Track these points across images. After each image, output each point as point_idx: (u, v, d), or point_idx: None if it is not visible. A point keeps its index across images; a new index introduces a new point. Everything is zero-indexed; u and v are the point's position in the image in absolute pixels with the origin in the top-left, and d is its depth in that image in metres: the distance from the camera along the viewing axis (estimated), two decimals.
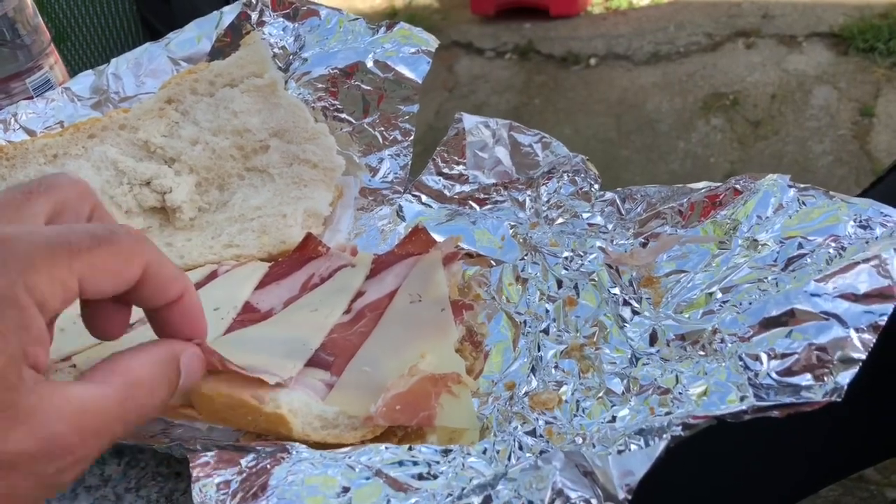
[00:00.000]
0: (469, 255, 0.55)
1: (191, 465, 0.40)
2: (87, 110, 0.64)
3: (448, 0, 3.47)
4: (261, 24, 0.66)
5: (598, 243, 0.53)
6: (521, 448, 0.42)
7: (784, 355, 0.40)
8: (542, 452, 0.41)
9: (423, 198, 0.60)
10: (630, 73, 2.80)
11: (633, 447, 0.38)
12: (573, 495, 0.35)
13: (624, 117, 2.58)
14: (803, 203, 0.48)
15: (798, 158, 2.35)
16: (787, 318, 0.41)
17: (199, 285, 0.54)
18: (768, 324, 0.42)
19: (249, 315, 0.52)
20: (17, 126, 0.63)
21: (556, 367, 0.46)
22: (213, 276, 0.55)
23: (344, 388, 0.46)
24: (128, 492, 0.47)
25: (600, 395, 0.44)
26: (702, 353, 0.43)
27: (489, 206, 0.59)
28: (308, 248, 0.57)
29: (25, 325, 0.30)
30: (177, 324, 0.38)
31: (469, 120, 0.59)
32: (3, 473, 0.29)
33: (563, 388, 0.45)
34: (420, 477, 0.38)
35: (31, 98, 0.66)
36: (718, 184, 0.52)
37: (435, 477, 0.38)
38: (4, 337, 0.30)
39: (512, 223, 0.56)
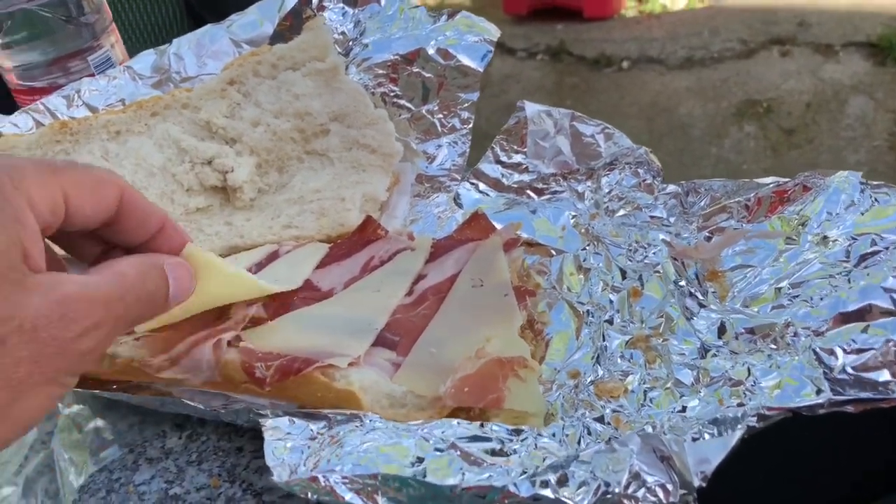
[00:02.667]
0: (528, 243, 0.55)
1: (263, 429, 0.40)
2: (148, 89, 0.65)
3: (481, 1, 3.47)
4: (321, 8, 0.67)
5: (662, 236, 0.52)
6: (589, 433, 0.42)
7: (860, 350, 0.39)
8: (609, 439, 0.41)
9: (481, 186, 0.60)
10: (663, 77, 2.79)
11: (706, 436, 0.38)
12: (650, 479, 0.35)
13: (656, 121, 2.56)
14: (876, 200, 0.47)
15: (832, 167, 2.33)
16: (864, 314, 0.41)
17: (260, 265, 0.54)
18: (844, 319, 0.41)
19: (311, 293, 0.52)
20: (80, 102, 0.63)
21: (621, 356, 0.46)
22: (274, 255, 0.55)
23: (411, 368, 0.46)
24: (189, 465, 0.48)
25: (668, 385, 0.44)
26: (773, 346, 0.43)
27: (547, 196, 0.59)
28: (367, 231, 0.57)
29: (20, 219, 0.32)
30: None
31: (531, 108, 0.59)
32: (27, 338, 0.31)
33: (630, 378, 0.45)
34: (493, 453, 0.37)
35: (92, 75, 0.66)
36: (786, 179, 0.51)
37: (507, 454, 0.38)
38: (3, 225, 0.31)
39: (572, 213, 0.56)
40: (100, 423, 0.51)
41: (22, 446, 0.51)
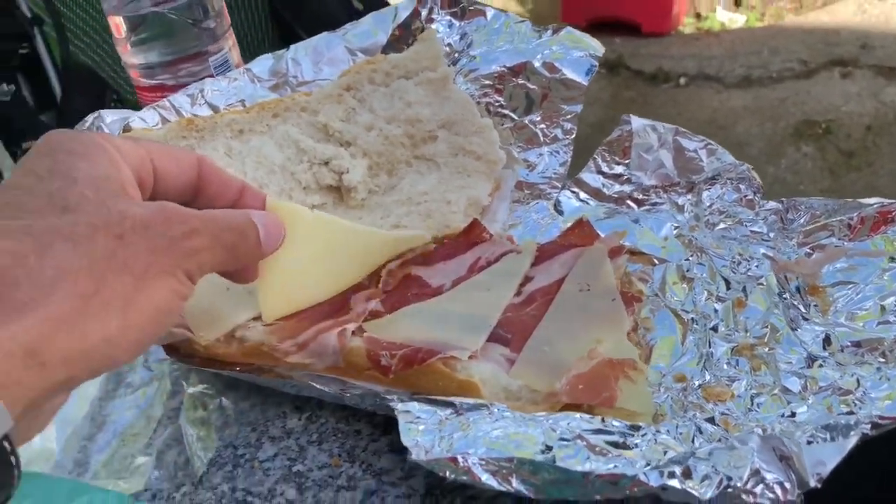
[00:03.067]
0: (631, 251, 0.57)
1: (396, 412, 0.43)
2: (266, 91, 0.68)
3: (539, 11, 3.50)
4: (429, 20, 0.70)
5: (762, 250, 0.54)
6: (700, 432, 0.44)
7: None
8: (720, 438, 0.43)
9: (581, 194, 0.63)
10: (720, 94, 2.79)
11: (819, 441, 0.40)
12: (769, 477, 0.37)
13: (713, 139, 2.54)
14: None
15: (892, 192, 2.30)
16: None
17: None
18: None
19: (422, 290, 0.55)
20: (202, 101, 0.67)
21: (727, 363, 0.48)
22: None
23: (525, 364, 0.48)
24: (310, 444, 0.51)
25: (775, 392, 0.46)
26: (882, 360, 0.45)
27: (647, 207, 0.61)
28: (473, 233, 0.60)
29: (116, 163, 0.36)
30: None
31: (637, 122, 0.61)
32: (140, 234, 0.34)
33: (736, 384, 0.47)
34: (616, 445, 0.40)
35: (211, 76, 0.70)
36: (892, 200, 0.53)
37: (629, 447, 0.40)
38: (104, 162, 0.35)
39: (674, 224, 0.58)
40: (224, 401, 0.55)
41: (150, 421, 0.54)
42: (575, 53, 0.64)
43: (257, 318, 0.54)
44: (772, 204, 0.57)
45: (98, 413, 0.56)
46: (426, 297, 0.54)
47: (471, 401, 0.44)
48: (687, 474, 0.37)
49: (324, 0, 1.31)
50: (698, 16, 3.26)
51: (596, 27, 3.14)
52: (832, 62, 2.84)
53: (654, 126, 0.61)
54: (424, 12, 0.70)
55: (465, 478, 0.39)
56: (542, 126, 0.65)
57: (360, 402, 0.49)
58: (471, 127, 0.63)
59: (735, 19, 3.22)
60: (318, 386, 0.50)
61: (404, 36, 0.70)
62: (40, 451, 0.53)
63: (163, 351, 0.56)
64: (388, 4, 1.45)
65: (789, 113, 2.66)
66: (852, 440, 0.38)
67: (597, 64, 0.64)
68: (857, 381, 0.44)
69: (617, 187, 0.62)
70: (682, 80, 2.88)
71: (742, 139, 2.58)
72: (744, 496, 0.37)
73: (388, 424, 0.51)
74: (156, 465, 0.51)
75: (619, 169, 0.62)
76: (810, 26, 3.08)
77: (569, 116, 0.65)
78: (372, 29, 0.69)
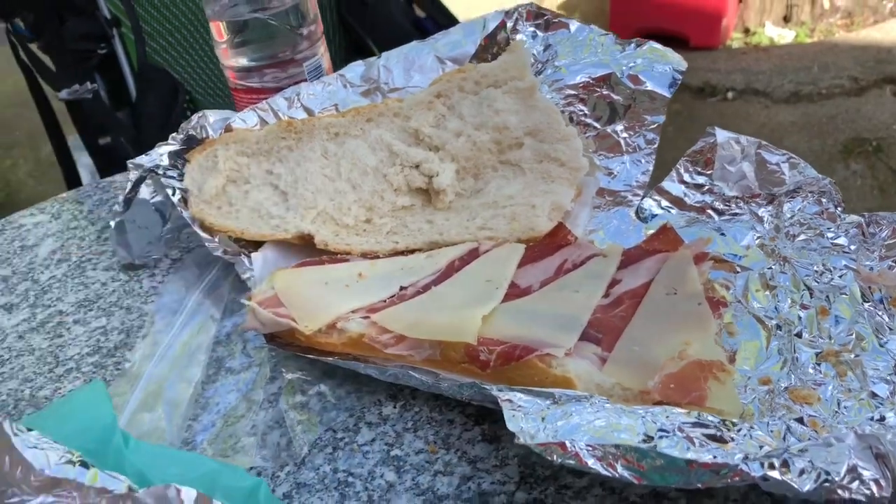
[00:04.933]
0: (714, 258, 0.59)
1: (500, 399, 0.46)
2: (358, 96, 0.72)
3: (586, 23, 3.52)
4: (514, 31, 0.73)
5: (844, 262, 0.56)
6: (790, 432, 0.46)
7: None
8: (809, 438, 0.45)
9: (663, 202, 0.65)
10: (768, 109, 2.78)
11: None
12: (866, 474, 0.39)
13: None
14: None
15: None
16: None
17: (464, 260, 0.60)
18: None
19: (512, 290, 0.58)
20: (299, 104, 0.71)
21: (812, 368, 0.50)
22: (475, 252, 0.61)
23: (617, 363, 0.51)
24: (406, 431, 0.53)
25: (862, 397, 0.47)
26: None
27: (727, 217, 0.63)
28: (559, 236, 0.63)
29: None
30: None
31: (721, 135, 0.63)
32: None
33: (822, 388, 0.49)
34: (712, 438, 0.42)
35: (305, 81, 0.74)
36: None
37: (725, 441, 0.42)
38: None
39: (757, 234, 0.60)
40: (322, 388, 0.58)
41: (252, 404, 0.58)
42: (658, 67, 0.67)
43: (357, 311, 0.57)
44: (853, 217, 0.59)
45: (201, 395, 0.59)
46: (515, 297, 0.57)
47: (570, 392, 0.47)
48: (785, 466, 0.39)
49: (388, 8, 1.35)
50: (747, 31, 3.26)
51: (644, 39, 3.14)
52: (883, 80, 2.82)
53: (737, 139, 0.63)
54: (510, 24, 0.73)
55: (572, 462, 0.41)
56: (625, 136, 0.68)
57: (458, 392, 0.52)
58: (556, 135, 0.66)
59: (784, 35, 3.21)
60: (416, 375, 0.53)
61: (490, 46, 0.73)
62: (152, 429, 0.56)
63: (262, 338, 0.60)
64: (447, 11, 1.49)
65: (838, 130, 2.65)
66: None
67: (680, 78, 0.66)
68: None
69: (699, 197, 0.64)
70: (730, 95, 2.88)
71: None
72: (840, 491, 0.39)
73: (479, 415, 0.53)
74: (260, 445, 0.54)
75: (701, 179, 0.64)
76: (861, 43, 3.05)
77: (652, 127, 0.67)
78: (461, 39, 0.72)
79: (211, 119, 0.69)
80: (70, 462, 0.43)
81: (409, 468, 0.51)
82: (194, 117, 0.69)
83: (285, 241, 0.65)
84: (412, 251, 0.64)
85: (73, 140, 1.54)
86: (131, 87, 1.36)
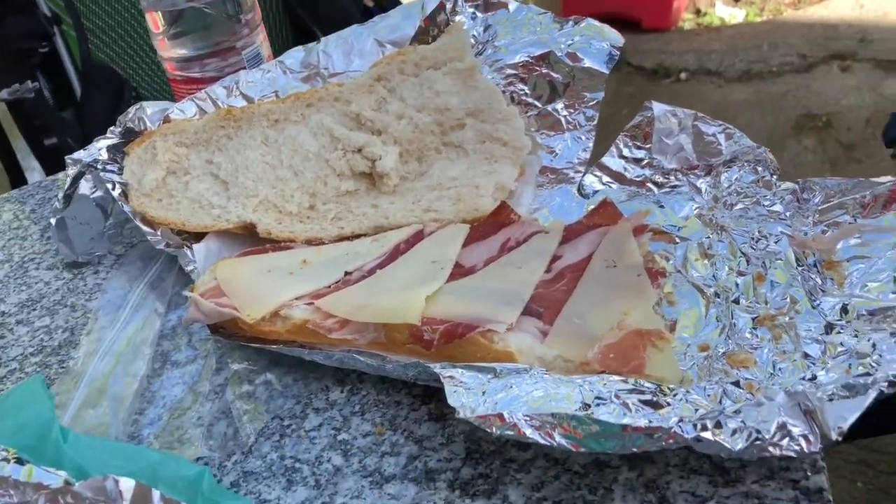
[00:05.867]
0: (654, 230, 0.60)
1: (442, 377, 0.46)
2: (298, 82, 0.71)
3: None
4: (454, 13, 0.73)
5: (780, 228, 0.57)
6: (726, 395, 0.46)
7: None
8: (745, 400, 0.46)
9: (604, 178, 0.65)
10: (721, 89, 2.81)
11: (839, 398, 0.42)
12: (795, 430, 0.40)
13: None
14: None
15: None
16: None
17: (409, 242, 0.60)
18: None
19: (457, 269, 0.58)
20: (238, 92, 0.70)
21: (749, 333, 0.51)
22: (420, 235, 0.61)
23: (558, 336, 0.51)
24: (353, 415, 0.53)
25: (796, 358, 0.48)
26: (895, 325, 0.47)
27: (667, 190, 0.64)
28: (502, 215, 0.63)
29: None
30: None
31: (658, 108, 0.64)
32: None
33: (758, 352, 0.50)
34: (648, 403, 0.43)
35: (244, 69, 0.73)
36: None
37: (661, 406, 0.43)
38: None
39: (695, 205, 0.61)
40: (268, 376, 0.57)
41: (198, 396, 0.57)
42: (596, 44, 0.67)
43: (301, 298, 0.57)
44: (788, 184, 0.60)
45: (147, 389, 0.58)
46: (460, 276, 0.57)
47: (510, 365, 0.47)
48: (717, 427, 0.40)
49: None
50: (698, 11, 3.29)
51: None
52: (831, 56, 2.87)
53: (674, 112, 0.64)
54: (449, 5, 0.73)
55: (511, 433, 0.41)
56: (566, 113, 0.68)
57: (403, 372, 0.52)
58: (497, 115, 0.66)
59: (734, 14, 3.25)
60: (361, 358, 0.53)
61: (430, 28, 0.72)
62: (97, 424, 0.55)
63: (207, 330, 0.59)
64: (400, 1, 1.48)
65: (790, 107, 2.69)
66: (870, 396, 0.41)
67: (618, 53, 0.67)
68: (874, 345, 0.46)
69: (638, 171, 0.65)
70: (683, 75, 2.91)
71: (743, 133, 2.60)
72: (771, 448, 0.40)
73: (426, 395, 0.54)
74: (206, 436, 0.54)
75: (640, 153, 0.65)
76: (809, 21, 3.10)
77: (591, 104, 0.67)
78: (400, 22, 0.72)
79: (149, 111, 0.68)
80: (5, 460, 0.42)
81: (356, 451, 0.51)
82: (132, 109, 0.68)
83: (228, 232, 0.65)
84: (357, 236, 0.64)
85: (20, 143, 1.51)
86: (75, 85, 1.34)
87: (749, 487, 0.44)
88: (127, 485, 0.40)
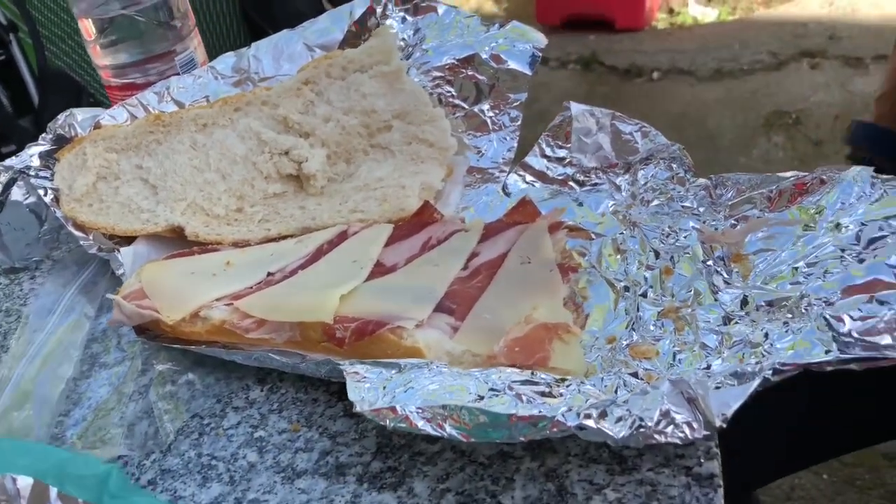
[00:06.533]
0: (571, 227, 0.61)
1: (345, 372, 0.47)
2: (230, 87, 0.72)
3: (514, 10, 3.54)
4: (384, 17, 0.74)
5: (692, 223, 0.59)
6: (625, 385, 0.48)
7: (866, 318, 0.45)
8: (641, 390, 0.47)
9: (528, 177, 0.67)
10: (693, 88, 2.84)
11: (727, 387, 0.44)
12: (678, 417, 0.41)
13: (685, 131, 2.61)
14: (885, 192, 0.53)
15: None
16: (870, 287, 0.47)
17: (332, 243, 0.61)
18: (852, 291, 0.47)
19: (378, 268, 0.59)
20: (169, 98, 0.71)
21: (654, 325, 0.52)
22: (343, 235, 0.62)
23: (468, 331, 0.52)
24: (271, 413, 0.54)
25: (695, 348, 0.50)
26: (789, 315, 0.49)
27: (588, 188, 0.65)
28: (425, 215, 0.64)
29: None
30: None
31: (576, 108, 0.65)
32: None
33: (661, 343, 0.51)
34: (542, 394, 0.44)
35: (177, 74, 0.74)
36: (805, 173, 0.57)
37: (555, 396, 0.44)
38: None
39: (611, 202, 0.62)
40: (191, 376, 0.58)
41: (122, 397, 0.58)
42: (519, 45, 0.69)
43: (221, 299, 0.58)
44: (701, 181, 0.61)
45: (73, 391, 0.59)
46: (381, 275, 0.58)
47: (415, 361, 0.48)
48: (602, 416, 0.41)
49: (294, 3, 1.35)
50: (671, 11, 3.32)
51: (571, 24, 3.18)
52: (801, 54, 2.90)
53: (591, 111, 0.65)
54: (379, 9, 0.74)
55: (403, 425, 0.42)
56: (491, 114, 0.69)
57: (316, 370, 0.53)
58: (423, 116, 0.67)
59: (707, 14, 3.28)
60: (277, 357, 0.54)
61: (360, 32, 0.74)
62: (21, 426, 0.56)
63: (134, 332, 0.60)
64: None
65: (760, 104, 2.72)
66: (754, 384, 0.42)
67: (540, 55, 0.68)
68: (766, 334, 0.48)
69: (560, 170, 0.66)
70: (656, 75, 2.93)
71: (714, 131, 2.63)
72: (656, 436, 0.41)
73: (342, 392, 0.54)
74: (126, 435, 0.55)
75: (561, 153, 0.66)
76: (779, 19, 3.13)
77: (515, 104, 0.69)
78: (329, 26, 0.73)
79: (79, 117, 0.69)
80: None
81: (271, 447, 0.52)
82: (61, 116, 0.69)
83: (157, 235, 0.66)
84: (284, 238, 0.65)
85: None
86: (33, 92, 1.34)
87: (644, 475, 0.45)
88: (24, 483, 0.41)
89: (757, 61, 2.89)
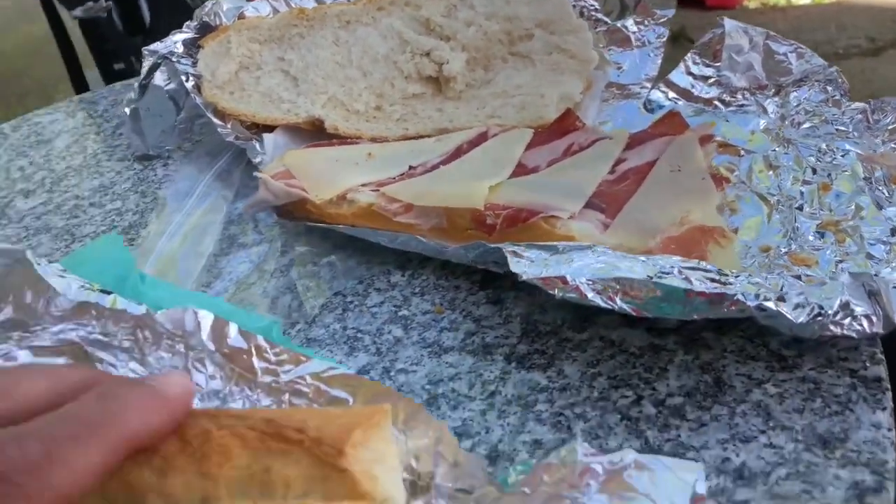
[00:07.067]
0: (719, 143, 0.60)
1: (505, 251, 0.47)
2: None
3: None
4: None
5: (847, 145, 0.57)
6: (788, 285, 0.47)
7: None
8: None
9: (671, 94, 0.65)
10: None
11: None
12: (858, 310, 0.40)
13: None
14: None
15: None
16: None
17: (472, 143, 0.61)
18: None
19: (519, 169, 0.58)
20: None
21: (812, 235, 0.51)
22: (483, 136, 0.62)
23: (620, 228, 0.52)
24: (413, 295, 0.55)
25: (859, 259, 0.48)
26: None
27: (734, 108, 0.63)
28: (567, 122, 0.63)
29: None
30: None
31: (730, 24, 0.64)
32: None
33: (821, 252, 0.50)
34: (712, 280, 0.43)
35: None
36: None
37: (726, 284, 0.43)
38: None
39: (761, 121, 0.61)
40: (332, 258, 0.59)
41: (264, 273, 0.59)
42: None
43: (367, 185, 0.58)
44: (858, 104, 0.59)
45: (213, 266, 0.60)
46: (523, 175, 0.58)
47: (573, 244, 0.48)
48: (781, 300, 0.40)
49: None
50: None
51: None
52: None
53: (745, 29, 0.63)
54: None
55: (573, 295, 0.42)
56: (635, 30, 0.68)
57: (464, 254, 0.53)
58: (566, 27, 0.66)
59: None
60: (424, 241, 0.54)
61: None
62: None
63: (273, 216, 0.61)
64: None
65: (855, 90, 2.62)
66: None
67: None
68: None
69: (706, 89, 0.65)
70: None
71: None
72: (833, 327, 0.40)
73: (484, 280, 0.55)
74: (270, 307, 0.56)
75: (708, 71, 0.65)
76: (878, 3, 3.02)
77: (662, 20, 0.67)
78: None
79: (224, 6, 0.70)
80: (90, 289, 0.45)
81: (415, 325, 0.52)
82: (208, 4, 0.70)
83: (295, 127, 0.66)
84: (421, 138, 0.65)
85: (93, 74, 1.55)
86: (145, 12, 1.37)
87: (806, 373, 0.44)
88: (206, 318, 0.42)
89: (853, 45, 2.79)
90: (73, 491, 0.27)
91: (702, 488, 0.33)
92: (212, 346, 0.43)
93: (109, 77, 1.43)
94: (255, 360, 0.42)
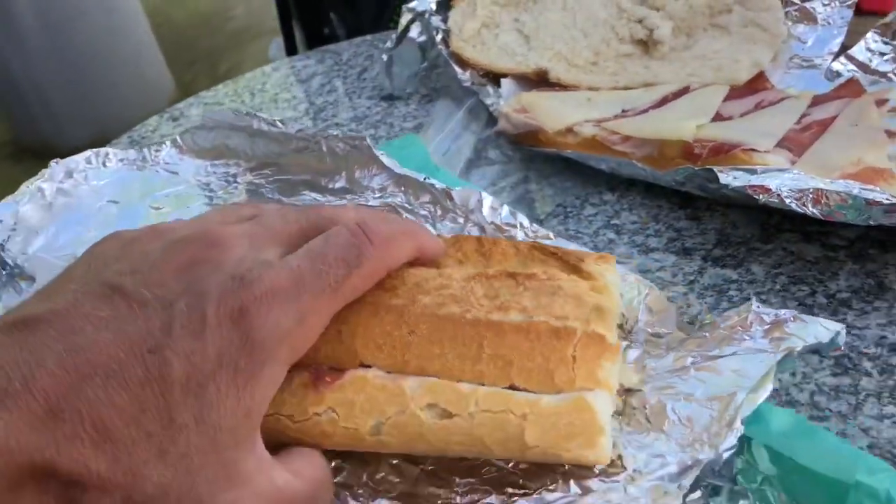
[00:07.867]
0: (889, 108, 0.70)
1: (715, 169, 0.60)
2: None
3: None
4: None
5: None
6: None
7: None
8: None
9: (850, 66, 0.76)
10: None
11: None
12: None
13: None
14: None
15: None
16: None
17: (676, 94, 0.74)
18: None
19: (716, 118, 0.71)
20: None
21: None
22: (686, 89, 0.75)
23: (805, 164, 0.64)
24: (622, 210, 0.69)
25: None
26: None
27: None
28: (758, 83, 0.75)
29: (276, 381, 0.30)
30: None
31: None
32: None
33: None
34: (886, 199, 0.54)
35: None
36: None
37: None
38: (253, 386, 0.29)
39: None
40: (554, 179, 0.73)
41: (503, 187, 0.74)
42: None
43: (588, 121, 0.72)
44: None
45: (465, 174, 0.76)
46: (721, 121, 0.71)
47: (770, 167, 0.60)
48: None
49: None
50: None
51: None
52: None
53: None
54: None
55: (774, 200, 0.55)
56: (822, 11, 0.79)
57: (672, 177, 0.66)
58: (762, 4, 0.78)
59: None
60: (639, 165, 0.67)
61: None
62: None
63: (512, 140, 0.76)
64: None
65: None
66: None
67: None
68: None
69: (883, 64, 0.75)
70: None
71: None
72: None
73: (684, 201, 0.68)
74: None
75: (886, 48, 0.75)
76: None
77: (848, 3, 0.78)
78: None
79: None
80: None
81: (626, 231, 0.66)
82: None
83: (524, 76, 0.81)
84: (629, 89, 0.78)
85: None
86: None
87: None
88: (486, 198, 0.58)
89: None
90: (393, 266, 0.41)
91: (842, 341, 0.43)
92: (487, 220, 0.58)
93: (312, 41, 1.63)
94: (517, 231, 0.58)
